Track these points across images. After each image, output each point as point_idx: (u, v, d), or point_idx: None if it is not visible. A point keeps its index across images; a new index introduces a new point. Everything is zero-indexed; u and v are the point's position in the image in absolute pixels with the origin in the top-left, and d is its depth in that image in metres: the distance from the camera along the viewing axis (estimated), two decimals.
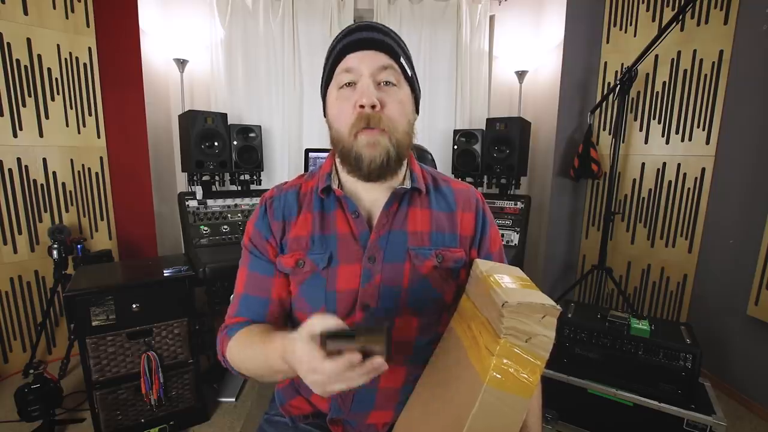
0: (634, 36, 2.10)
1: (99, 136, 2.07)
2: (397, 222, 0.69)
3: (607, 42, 2.20)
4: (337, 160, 0.70)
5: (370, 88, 0.61)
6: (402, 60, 0.65)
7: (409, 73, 0.66)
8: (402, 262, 0.67)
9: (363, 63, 0.62)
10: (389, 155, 0.62)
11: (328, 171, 0.71)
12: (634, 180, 2.20)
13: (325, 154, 1.97)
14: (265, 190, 0.77)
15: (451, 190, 0.75)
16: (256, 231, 0.71)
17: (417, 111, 0.70)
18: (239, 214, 2.15)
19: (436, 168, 1.21)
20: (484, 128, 2.29)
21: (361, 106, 0.60)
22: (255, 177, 2.31)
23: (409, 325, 0.68)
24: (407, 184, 0.69)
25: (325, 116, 0.70)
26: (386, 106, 0.62)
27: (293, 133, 2.48)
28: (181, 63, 2.22)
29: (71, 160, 2.00)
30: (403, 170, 0.71)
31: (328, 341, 0.44)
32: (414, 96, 0.69)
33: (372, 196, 0.69)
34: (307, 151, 1.94)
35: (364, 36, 0.63)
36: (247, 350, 0.63)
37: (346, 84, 0.63)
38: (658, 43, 1.79)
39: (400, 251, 0.67)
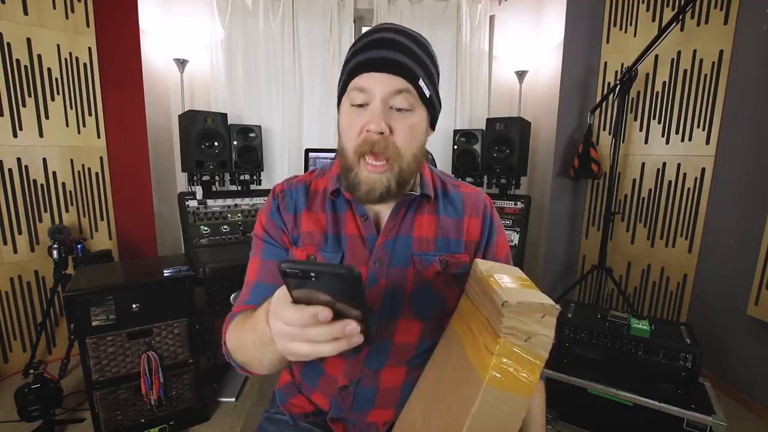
0: (634, 36, 2.10)
1: (99, 136, 2.07)
2: (404, 227, 0.69)
3: (607, 42, 2.20)
4: None
5: (380, 114, 0.59)
6: (421, 82, 0.61)
7: (428, 94, 0.63)
8: (406, 267, 0.68)
9: (376, 87, 0.59)
10: (389, 189, 0.62)
11: (338, 173, 0.71)
12: (634, 180, 2.20)
13: (325, 154, 1.98)
14: (265, 191, 0.77)
15: (460, 195, 0.75)
16: (271, 221, 0.71)
17: (433, 128, 0.69)
18: (239, 214, 2.15)
19: (436, 168, 1.21)
20: (484, 128, 2.29)
21: (369, 131, 0.59)
22: (255, 177, 2.31)
23: (411, 328, 0.69)
24: (416, 191, 0.70)
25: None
26: (395, 132, 0.60)
27: (293, 133, 2.48)
28: (181, 63, 2.22)
29: (71, 160, 2.00)
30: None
31: (289, 273, 0.36)
32: (431, 115, 0.66)
33: None
34: (307, 151, 1.94)
35: (381, 55, 0.59)
36: (242, 327, 0.58)
37: (357, 104, 0.61)
38: (658, 43, 1.79)
39: (405, 256, 0.68)
